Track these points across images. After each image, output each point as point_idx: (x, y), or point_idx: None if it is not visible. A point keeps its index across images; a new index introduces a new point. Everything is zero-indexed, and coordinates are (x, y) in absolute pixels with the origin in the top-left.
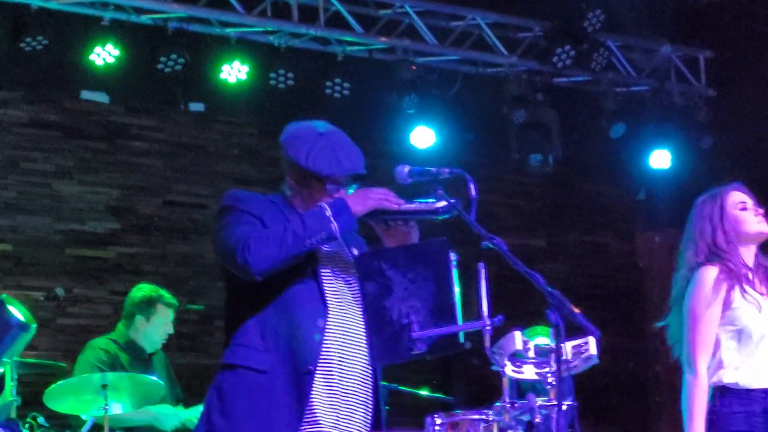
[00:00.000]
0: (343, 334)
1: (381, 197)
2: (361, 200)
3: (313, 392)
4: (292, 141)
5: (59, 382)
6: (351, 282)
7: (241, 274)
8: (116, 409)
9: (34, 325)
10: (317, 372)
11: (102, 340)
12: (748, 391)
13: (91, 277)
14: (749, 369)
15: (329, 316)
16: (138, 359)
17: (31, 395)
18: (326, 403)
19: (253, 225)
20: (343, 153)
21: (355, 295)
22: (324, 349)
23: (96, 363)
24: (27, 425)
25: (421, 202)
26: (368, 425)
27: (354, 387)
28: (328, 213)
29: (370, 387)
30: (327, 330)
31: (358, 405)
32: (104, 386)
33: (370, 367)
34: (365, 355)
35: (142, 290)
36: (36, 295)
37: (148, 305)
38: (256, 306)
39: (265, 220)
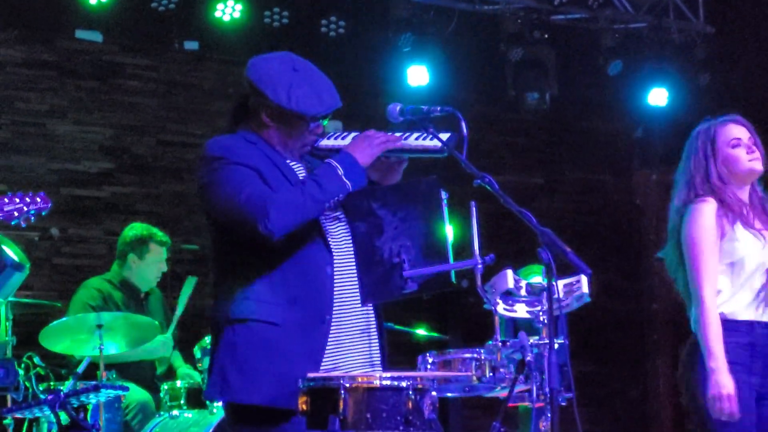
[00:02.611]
0: (348, 278)
1: (383, 143)
2: (367, 152)
3: (329, 339)
4: (267, 80)
5: (54, 322)
6: (345, 223)
7: (257, 239)
8: (111, 348)
9: (28, 265)
10: (332, 320)
11: (96, 280)
12: (736, 322)
13: (85, 216)
14: (738, 301)
15: (335, 261)
16: (133, 298)
17: (27, 335)
18: (342, 348)
19: (255, 181)
20: (323, 89)
21: (351, 236)
22: (336, 297)
23: (89, 302)
24: (23, 365)
25: (419, 136)
26: (378, 362)
27: (364, 326)
28: (341, 172)
29: (376, 325)
30: (335, 276)
31: (369, 344)
32: (99, 326)
33: (374, 306)
34: None
35: (134, 229)
36: (31, 235)
37: (140, 243)
38: (260, 259)
39: (262, 172)
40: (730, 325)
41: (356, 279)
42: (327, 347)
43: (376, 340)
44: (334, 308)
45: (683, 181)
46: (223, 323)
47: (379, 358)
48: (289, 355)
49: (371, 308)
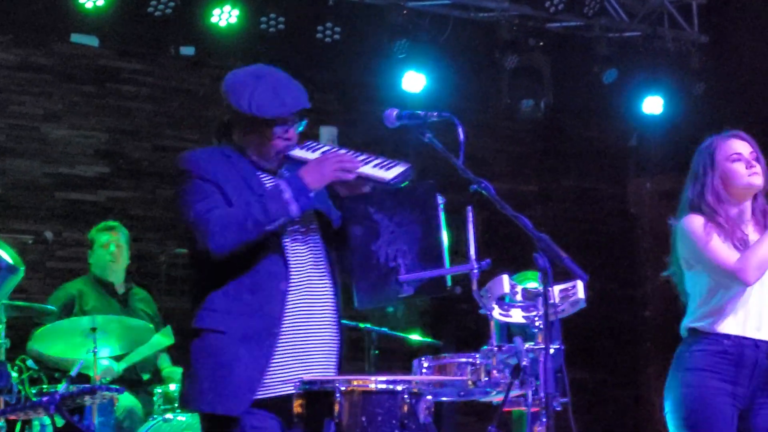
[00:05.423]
0: (306, 293)
1: (337, 169)
2: (318, 176)
3: (276, 352)
4: (232, 90)
5: (47, 326)
6: (313, 238)
7: (202, 255)
8: (105, 352)
9: (22, 268)
10: (282, 333)
11: (74, 281)
12: (719, 335)
13: (80, 220)
14: (724, 317)
15: (291, 278)
16: (106, 293)
17: (20, 338)
18: (293, 360)
19: (210, 197)
20: (284, 91)
21: (317, 253)
22: (288, 311)
23: (54, 302)
24: (15, 368)
25: (377, 164)
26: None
27: (321, 343)
28: (287, 195)
29: (336, 341)
30: (290, 292)
31: (325, 360)
32: (93, 329)
33: (335, 322)
34: (331, 311)
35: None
36: (25, 239)
37: (90, 239)
38: (220, 273)
39: (223, 185)
40: (713, 337)
41: (314, 295)
42: (276, 359)
43: (337, 353)
44: (286, 322)
45: (684, 196)
46: (190, 333)
47: (334, 372)
48: (230, 364)
49: (334, 323)
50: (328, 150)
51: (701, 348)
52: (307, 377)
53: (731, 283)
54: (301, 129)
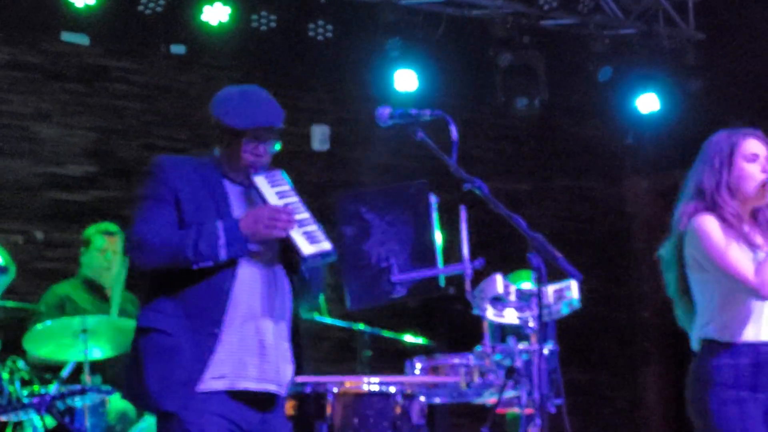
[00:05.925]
0: (251, 295)
1: (271, 227)
2: (253, 230)
3: (218, 351)
4: (216, 104)
5: (38, 326)
6: (272, 257)
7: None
8: (96, 353)
9: (13, 268)
10: (223, 333)
11: (62, 283)
12: (737, 345)
13: (69, 220)
14: (739, 323)
15: (236, 280)
16: (96, 295)
17: (10, 339)
18: (233, 359)
19: (159, 211)
20: (258, 107)
21: (272, 269)
22: (233, 312)
23: (44, 306)
24: (6, 369)
25: (307, 232)
26: (286, 376)
27: (266, 343)
28: (222, 242)
29: (285, 342)
30: (234, 294)
31: (270, 359)
32: (84, 330)
33: (284, 324)
34: (279, 312)
35: (86, 229)
36: (14, 239)
37: (85, 238)
38: (168, 275)
39: (182, 197)
40: (731, 349)
41: (259, 297)
42: (216, 358)
43: (285, 355)
44: (229, 323)
45: (694, 186)
46: (135, 331)
47: (288, 372)
48: (175, 361)
49: (283, 325)
50: (284, 192)
51: (727, 361)
52: (240, 375)
53: (748, 295)
54: (277, 149)
